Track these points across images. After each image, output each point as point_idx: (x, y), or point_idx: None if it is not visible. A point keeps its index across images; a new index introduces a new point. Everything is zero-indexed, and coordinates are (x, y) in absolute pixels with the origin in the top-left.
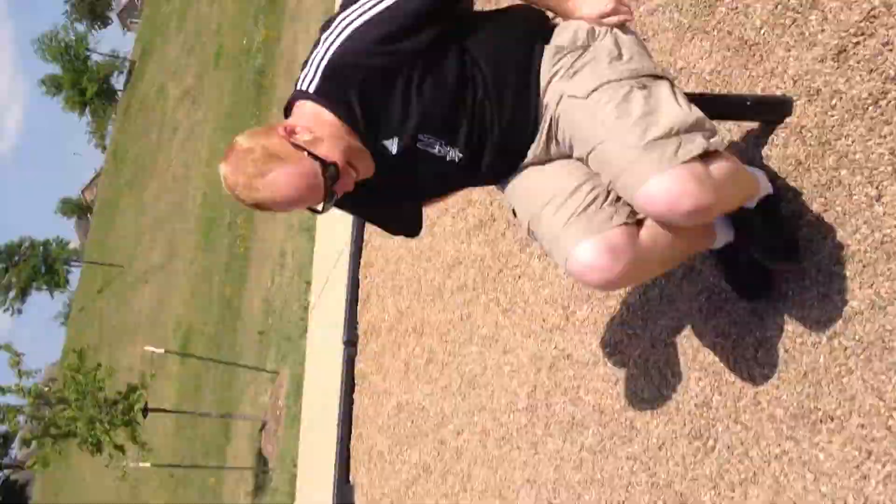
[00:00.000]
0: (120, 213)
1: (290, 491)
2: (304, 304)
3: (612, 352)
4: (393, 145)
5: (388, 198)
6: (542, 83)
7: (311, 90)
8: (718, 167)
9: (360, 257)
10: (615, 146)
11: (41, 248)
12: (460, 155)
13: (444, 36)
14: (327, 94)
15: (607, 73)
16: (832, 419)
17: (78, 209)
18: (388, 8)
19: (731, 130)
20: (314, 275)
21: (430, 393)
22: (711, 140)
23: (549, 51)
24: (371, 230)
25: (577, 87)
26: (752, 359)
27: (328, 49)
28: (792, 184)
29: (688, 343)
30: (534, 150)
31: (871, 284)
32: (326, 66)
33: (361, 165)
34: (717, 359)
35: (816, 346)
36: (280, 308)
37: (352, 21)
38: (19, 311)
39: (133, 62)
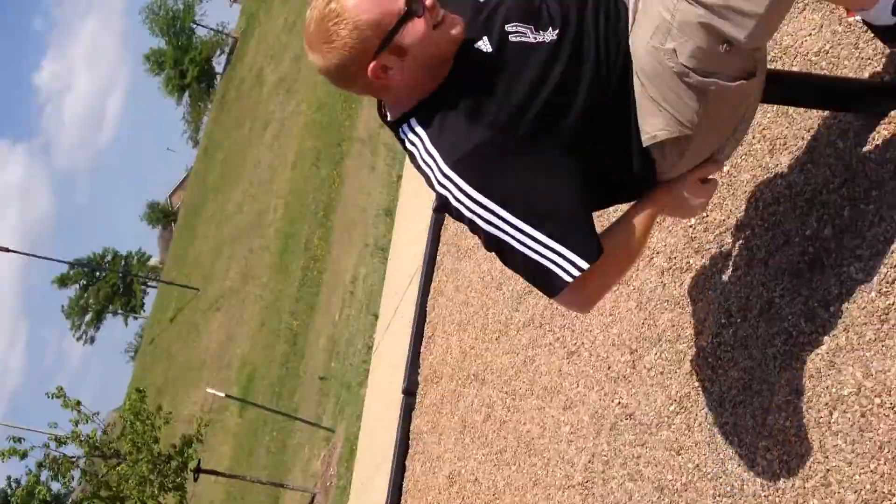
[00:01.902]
0: (203, 222)
1: None
2: (369, 344)
3: (677, 410)
4: (485, 45)
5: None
6: None
7: None
8: None
9: (429, 284)
10: None
11: (122, 262)
12: (554, 35)
13: None
14: None
15: None
16: None
17: (163, 217)
18: None
19: (829, 126)
20: (382, 305)
21: (485, 460)
22: None
23: None
24: (444, 250)
25: None
26: (825, 424)
27: None
28: (888, 196)
29: (758, 402)
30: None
31: None
32: None
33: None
34: (788, 423)
35: None
36: (344, 349)
37: None
38: (92, 340)
39: (235, 39)
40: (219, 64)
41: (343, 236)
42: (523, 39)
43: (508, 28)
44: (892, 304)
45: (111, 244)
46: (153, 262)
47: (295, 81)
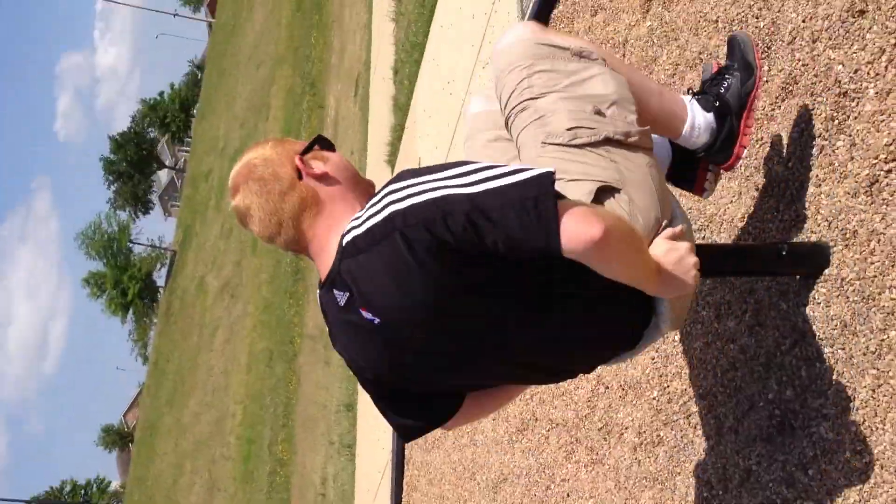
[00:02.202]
0: (161, 438)
1: None
2: None
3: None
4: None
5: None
6: None
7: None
8: None
9: (402, 479)
10: None
11: (83, 492)
12: None
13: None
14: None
15: None
16: None
17: (119, 438)
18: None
19: (768, 288)
20: None
21: None
22: None
23: None
24: (411, 445)
25: None
26: None
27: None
28: (841, 352)
29: None
30: None
31: None
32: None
33: None
34: None
35: None
36: None
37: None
38: None
39: (174, 252)
40: (160, 277)
41: (306, 435)
42: None
43: None
44: (869, 462)
45: (69, 474)
46: (114, 486)
47: (238, 286)
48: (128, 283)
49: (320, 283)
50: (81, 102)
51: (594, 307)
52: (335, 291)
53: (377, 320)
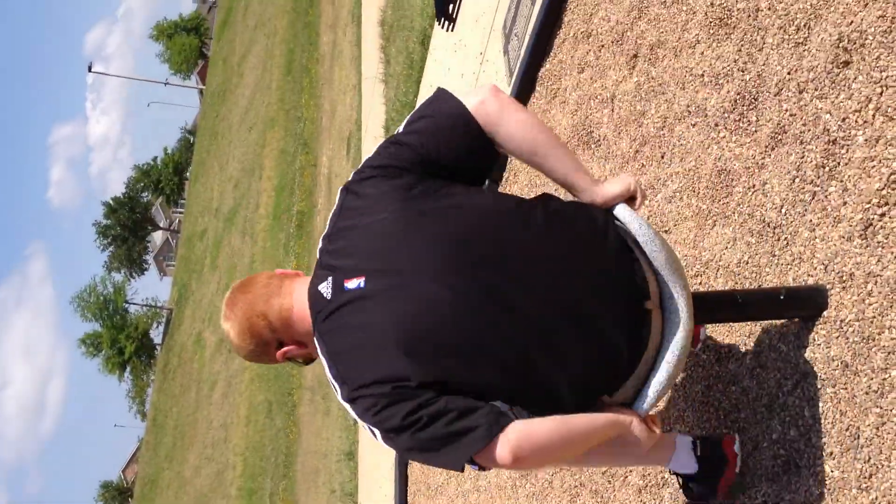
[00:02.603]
0: (160, 493)
1: None
2: None
3: None
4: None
5: None
6: None
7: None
8: None
9: None
10: None
11: None
12: None
13: None
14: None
15: None
16: None
17: (119, 494)
18: None
19: (767, 332)
20: None
21: None
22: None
23: None
24: (414, 489)
25: None
26: None
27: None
28: (843, 392)
29: None
30: None
31: None
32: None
33: None
34: None
35: None
36: None
37: None
38: None
39: (170, 310)
40: (157, 335)
41: (308, 486)
42: None
43: None
44: (876, 499)
45: None
46: None
47: None
48: (124, 342)
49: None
50: (74, 170)
51: None
52: (319, 289)
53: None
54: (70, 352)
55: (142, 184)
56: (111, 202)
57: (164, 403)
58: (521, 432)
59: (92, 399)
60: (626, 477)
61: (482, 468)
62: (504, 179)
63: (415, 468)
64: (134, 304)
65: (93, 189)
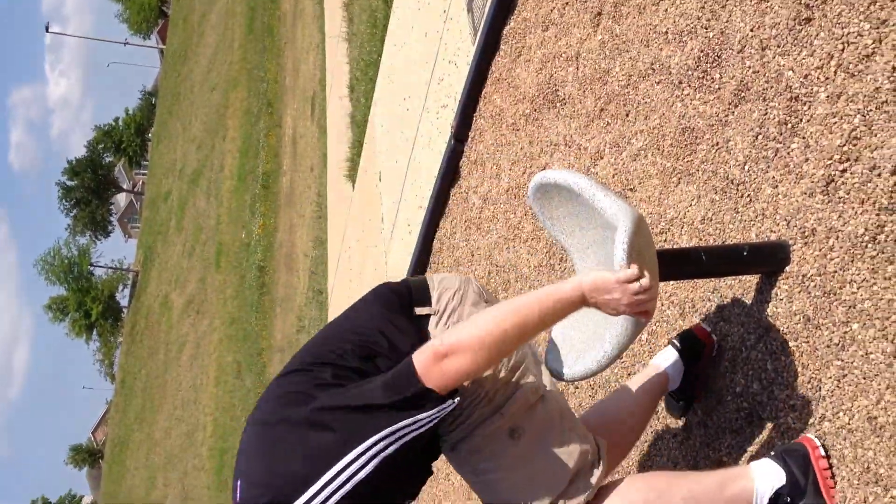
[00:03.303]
0: (131, 454)
1: None
2: None
3: None
4: None
5: None
6: None
7: None
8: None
9: None
10: None
11: None
12: None
13: None
14: None
15: None
16: None
17: (89, 456)
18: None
19: (731, 287)
20: None
21: None
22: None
23: None
24: None
25: None
26: None
27: None
28: (805, 346)
29: None
30: None
31: None
32: None
33: None
34: None
35: None
36: None
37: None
38: None
39: (136, 272)
40: (123, 298)
41: None
42: None
43: None
44: (835, 453)
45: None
46: (86, 501)
47: (203, 302)
48: (90, 305)
49: None
50: (34, 133)
51: None
52: None
53: None
54: (36, 318)
55: (103, 145)
56: (73, 163)
57: (133, 366)
58: (444, 335)
59: (59, 363)
60: None
61: (450, 396)
62: (469, 139)
63: None
64: (99, 266)
65: (54, 152)
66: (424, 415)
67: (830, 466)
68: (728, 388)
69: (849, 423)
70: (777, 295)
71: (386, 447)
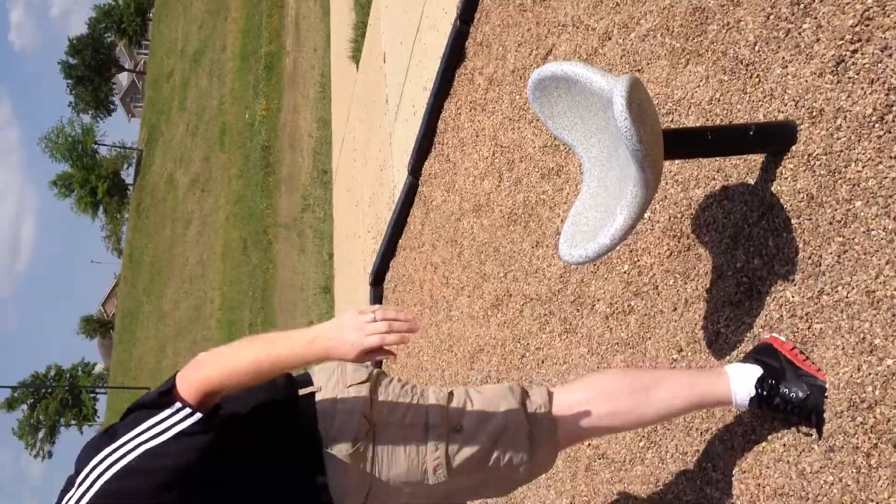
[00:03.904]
0: (141, 325)
1: None
2: None
3: (646, 445)
4: None
5: None
6: None
7: None
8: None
9: None
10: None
11: (68, 376)
12: None
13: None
14: None
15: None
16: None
17: (100, 327)
18: (141, 456)
19: (736, 166)
20: None
21: None
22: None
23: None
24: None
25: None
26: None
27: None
28: (807, 223)
29: (723, 427)
30: None
31: None
32: None
33: None
34: (758, 445)
35: (851, 416)
36: None
37: (96, 479)
38: (49, 455)
39: (140, 151)
40: (128, 176)
41: (286, 318)
42: None
43: None
44: (832, 325)
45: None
46: (98, 369)
47: (208, 180)
48: (96, 182)
49: None
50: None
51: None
52: None
53: None
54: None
55: (103, 24)
56: (75, 41)
57: (140, 241)
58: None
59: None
60: (594, 305)
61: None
62: (476, 20)
63: (389, 301)
64: (104, 144)
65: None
66: (165, 413)
67: (795, 347)
68: (729, 263)
69: (847, 297)
70: (782, 174)
71: (148, 440)
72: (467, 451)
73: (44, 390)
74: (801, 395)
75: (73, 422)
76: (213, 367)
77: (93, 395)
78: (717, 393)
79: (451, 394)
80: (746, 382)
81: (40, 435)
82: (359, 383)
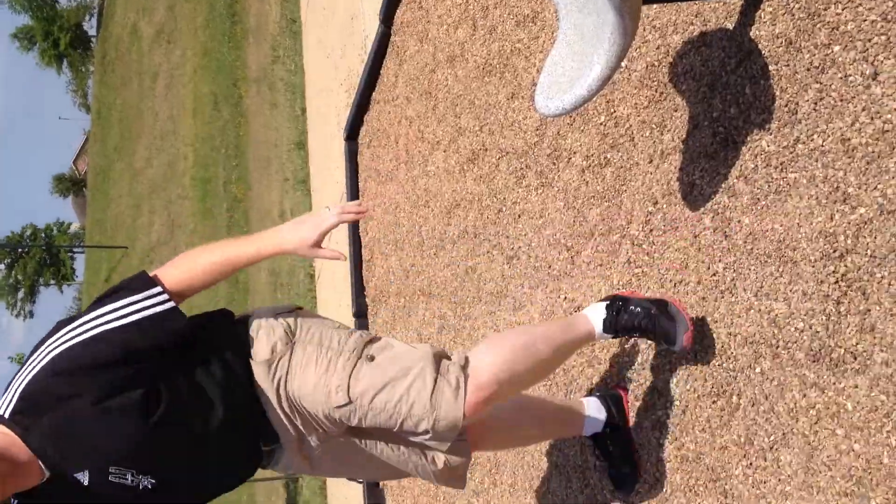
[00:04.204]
0: (114, 183)
1: None
2: (311, 273)
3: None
4: (84, 477)
5: None
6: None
7: (6, 414)
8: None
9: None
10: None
11: (43, 235)
12: (153, 481)
13: (144, 370)
14: (19, 420)
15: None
16: (854, 357)
17: (73, 185)
18: (91, 339)
19: (715, 10)
20: None
21: None
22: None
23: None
24: (364, 176)
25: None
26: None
27: (28, 373)
28: (785, 69)
29: (695, 278)
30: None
31: (877, 186)
32: (23, 391)
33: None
34: (727, 296)
35: (823, 265)
36: (287, 280)
37: (55, 347)
38: (31, 314)
39: (101, 1)
40: (90, 28)
41: (260, 174)
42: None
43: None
44: (806, 174)
45: (28, 221)
46: (74, 228)
47: (174, 31)
48: (58, 34)
49: None
50: None
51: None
52: None
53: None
54: (3, 49)
55: None
56: None
57: (107, 96)
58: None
59: (32, 94)
60: (570, 158)
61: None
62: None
63: (364, 157)
64: None
65: None
66: (140, 295)
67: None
68: (706, 113)
69: (822, 145)
70: (761, 17)
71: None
72: (369, 379)
73: (21, 250)
74: (646, 308)
75: (52, 281)
76: (180, 267)
77: (70, 254)
78: (580, 330)
79: (377, 336)
80: (598, 314)
81: (20, 295)
82: (287, 311)
